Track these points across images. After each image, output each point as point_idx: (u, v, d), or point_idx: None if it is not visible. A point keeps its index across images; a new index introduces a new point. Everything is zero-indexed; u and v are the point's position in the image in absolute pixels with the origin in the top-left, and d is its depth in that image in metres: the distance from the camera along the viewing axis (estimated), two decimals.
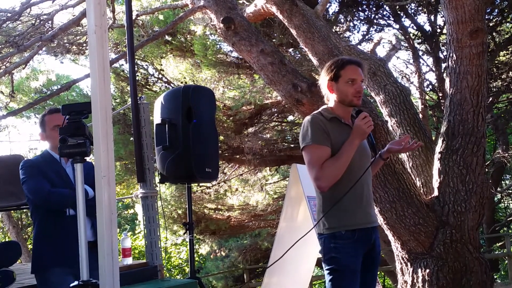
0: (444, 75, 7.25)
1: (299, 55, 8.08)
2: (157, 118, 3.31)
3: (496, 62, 9.25)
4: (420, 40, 9.81)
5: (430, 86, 10.24)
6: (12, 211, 9.76)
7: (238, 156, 8.57)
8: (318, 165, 2.22)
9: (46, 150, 2.73)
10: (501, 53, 9.41)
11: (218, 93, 8.13)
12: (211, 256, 12.35)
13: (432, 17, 9.33)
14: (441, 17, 8.83)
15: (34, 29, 6.50)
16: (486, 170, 8.32)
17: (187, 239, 3.44)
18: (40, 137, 2.74)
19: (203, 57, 7.72)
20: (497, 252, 11.39)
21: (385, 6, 8.61)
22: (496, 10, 8.74)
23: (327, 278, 2.28)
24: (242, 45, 4.13)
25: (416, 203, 3.79)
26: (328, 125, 2.29)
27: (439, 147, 4.02)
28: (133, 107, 3.40)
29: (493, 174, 11.25)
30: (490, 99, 8.83)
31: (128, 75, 4.40)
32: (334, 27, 8.00)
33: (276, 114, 8.99)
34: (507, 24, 9.68)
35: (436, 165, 3.99)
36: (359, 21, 9.01)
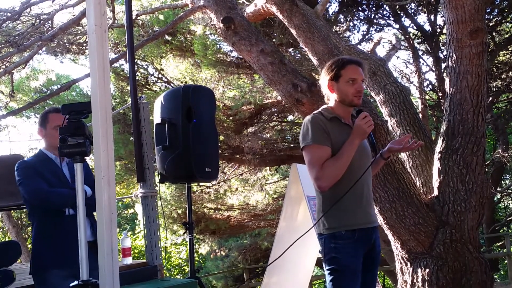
0: (444, 75, 7.27)
1: (299, 55, 8.08)
2: (157, 118, 3.31)
3: (496, 62, 9.25)
4: (420, 40, 9.81)
5: (430, 86, 10.25)
6: (12, 211, 9.77)
7: (238, 156, 8.57)
8: (319, 165, 2.22)
9: (40, 150, 2.68)
10: (501, 53, 9.42)
11: (218, 93, 8.13)
12: (211, 255, 12.35)
13: (432, 17, 9.33)
14: (441, 17, 8.83)
15: (34, 28, 6.50)
16: (486, 170, 8.34)
17: (187, 239, 3.44)
18: (38, 132, 2.69)
19: (203, 56, 7.72)
20: (497, 251, 11.41)
21: (385, 6, 8.61)
22: (496, 10, 8.74)
23: (328, 278, 2.28)
24: (242, 45, 4.12)
25: (416, 203, 3.79)
26: (329, 125, 2.28)
27: (439, 147, 4.01)
28: (133, 107, 3.40)
29: (493, 174, 11.26)
30: (490, 99, 8.84)
31: (128, 75, 4.39)
32: (334, 27, 8.00)
33: (276, 114, 8.98)
34: (507, 24, 9.68)
35: (436, 164, 3.99)
36: (359, 21, 9.01)
